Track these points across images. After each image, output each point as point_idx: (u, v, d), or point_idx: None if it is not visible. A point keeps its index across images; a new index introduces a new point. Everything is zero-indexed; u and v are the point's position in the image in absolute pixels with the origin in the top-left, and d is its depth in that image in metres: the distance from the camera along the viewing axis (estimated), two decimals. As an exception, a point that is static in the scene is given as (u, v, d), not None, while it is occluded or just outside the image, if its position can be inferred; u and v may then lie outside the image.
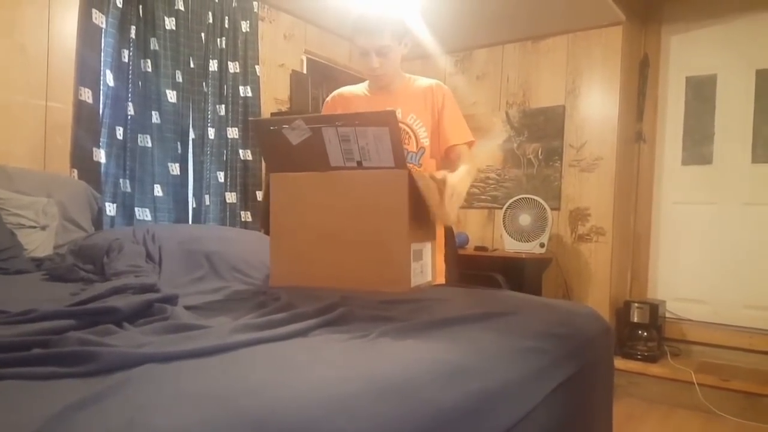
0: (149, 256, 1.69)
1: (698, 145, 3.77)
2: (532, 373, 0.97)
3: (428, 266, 1.66)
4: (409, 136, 2.01)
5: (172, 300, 1.14)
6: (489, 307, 1.24)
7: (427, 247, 1.65)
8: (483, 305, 1.29)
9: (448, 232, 2.82)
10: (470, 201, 4.26)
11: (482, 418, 0.80)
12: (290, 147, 1.54)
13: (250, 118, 3.32)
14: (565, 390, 1.08)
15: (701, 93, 3.76)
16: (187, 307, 1.16)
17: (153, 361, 0.72)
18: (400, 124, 1.99)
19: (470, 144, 2.03)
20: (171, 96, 2.93)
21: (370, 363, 0.79)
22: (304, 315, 1.05)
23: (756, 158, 3.55)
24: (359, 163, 1.51)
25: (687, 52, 3.80)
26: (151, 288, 1.24)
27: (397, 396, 0.70)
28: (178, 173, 2.99)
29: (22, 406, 0.57)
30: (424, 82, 2.06)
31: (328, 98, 2.14)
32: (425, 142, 2.01)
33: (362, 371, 0.75)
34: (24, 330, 0.82)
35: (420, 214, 1.58)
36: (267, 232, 1.76)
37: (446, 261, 2.17)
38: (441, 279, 2.11)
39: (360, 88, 2.12)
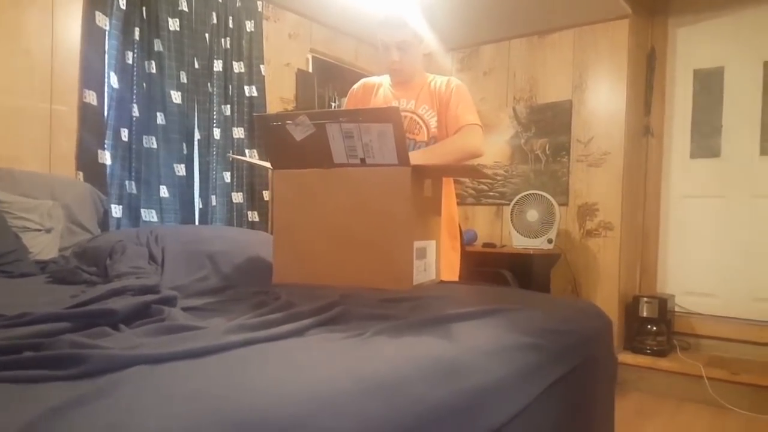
0: (152, 258, 1.69)
1: (706, 138, 3.72)
2: (527, 369, 0.97)
3: (432, 264, 1.65)
4: (420, 126, 2.08)
5: (170, 301, 1.14)
6: (487, 304, 1.24)
7: (431, 245, 1.65)
8: (482, 302, 1.28)
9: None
10: (478, 197, 4.25)
11: (473, 416, 0.80)
12: (294, 143, 1.54)
13: (254, 114, 3.32)
14: (562, 386, 1.08)
15: (709, 86, 3.72)
16: (186, 308, 1.17)
17: (143, 362, 0.72)
18: (413, 114, 2.06)
19: (472, 127, 2.05)
20: (176, 97, 2.94)
21: (360, 361, 0.79)
22: (300, 314, 1.05)
23: (765, 151, 3.51)
24: (362, 161, 1.51)
25: (694, 44, 3.76)
26: (151, 289, 1.24)
27: (385, 394, 0.70)
28: (184, 174, 3.00)
29: (4, 409, 0.57)
30: (441, 78, 2.16)
31: (355, 86, 2.25)
32: (436, 132, 2.10)
33: (351, 370, 0.74)
34: (17, 333, 0.82)
35: (424, 211, 1.57)
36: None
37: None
38: (455, 276, 2.11)
39: (384, 79, 2.21)
